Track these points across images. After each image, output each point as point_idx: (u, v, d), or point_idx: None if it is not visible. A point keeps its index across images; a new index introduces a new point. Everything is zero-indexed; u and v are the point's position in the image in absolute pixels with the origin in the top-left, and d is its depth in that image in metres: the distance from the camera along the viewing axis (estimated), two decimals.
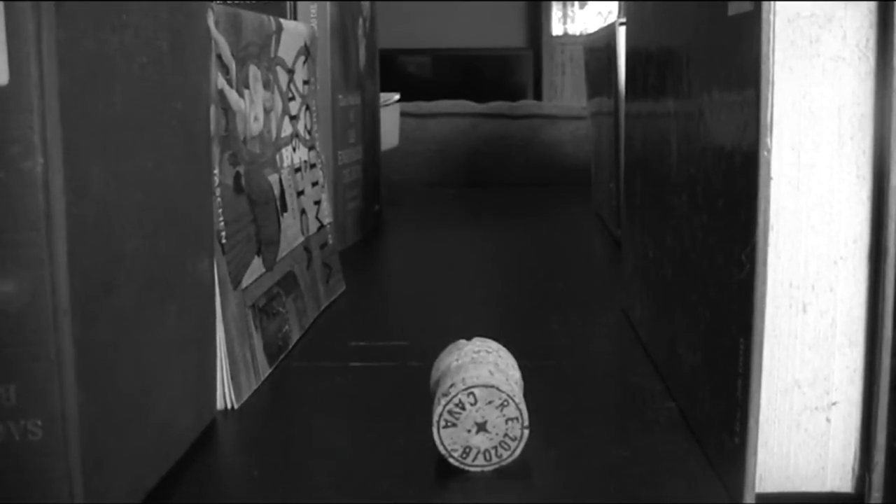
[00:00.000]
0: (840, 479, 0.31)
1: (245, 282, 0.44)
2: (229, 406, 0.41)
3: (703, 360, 0.36)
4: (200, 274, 0.37)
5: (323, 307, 0.57)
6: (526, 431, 0.34)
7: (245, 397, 0.42)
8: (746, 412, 0.31)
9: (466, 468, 0.34)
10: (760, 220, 0.29)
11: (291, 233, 0.52)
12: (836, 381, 0.31)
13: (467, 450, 0.34)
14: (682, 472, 0.34)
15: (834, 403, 0.31)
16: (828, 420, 0.31)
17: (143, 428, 0.31)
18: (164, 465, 0.34)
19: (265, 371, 0.45)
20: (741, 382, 0.31)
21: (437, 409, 0.33)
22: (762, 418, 0.31)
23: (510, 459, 0.34)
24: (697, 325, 0.37)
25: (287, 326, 0.50)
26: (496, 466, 0.34)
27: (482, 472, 0.34)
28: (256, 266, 0.46)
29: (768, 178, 0.29)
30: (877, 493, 0.31)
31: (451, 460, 0.34)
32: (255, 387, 0.43)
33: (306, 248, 0.55)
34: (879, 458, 0.31)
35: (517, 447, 0.34)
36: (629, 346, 0.50)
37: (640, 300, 0.50)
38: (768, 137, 0.29)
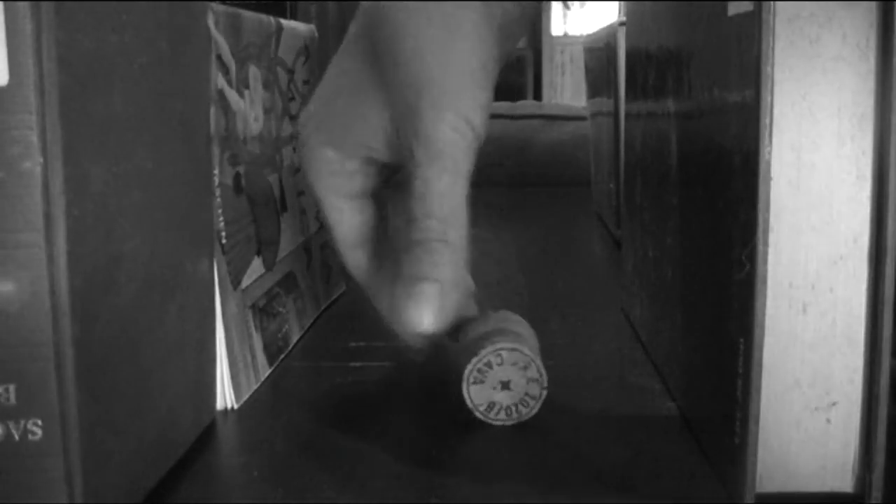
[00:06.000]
0: (840, 479, 0.31)
1: (245, 282, 0.44)
2: (229, 406, 0.41)
3: (703, 361, 0.36)
4: (200, 274, 0.37)
5: (323, 307, 0.57)
6: (544, 392, 0.37)
7: (245, 397, 0.42)
8: (746, 412, 0.31)
9: (490, 422, 0.37)
10: (760, 220, 0.29)
11: (291, 233, 0.52)
12: (836, 381, 0.31)
13: (491, 405, 0.37)
14: (682, 472, 0.34)
15: (834, 403, 0.31)
16: (828, 420, 0.31)
17: (143, 428, 0.31)
18: (164, 465, 0.34)
19: (265, 371, 0.45)
20: (741, 382, 0.31)
21: (468, 368, 0.37)
22: (762, 418, 0.31)
23: (528, 416, 0.37)
24: (697, 325, 0.37)
25: (287, 326, 0.50)
26: (515, 422, 0.37)
27: (503, 425, 0.37)
28: (256, 266, 0.46)
29: (768, 178, 0.29)
30: (877, 493, 0.31)
31: (476, 414, 0.37)
32: (255, 387, 0.43)
33: (306, 248, 0.55)
34: (879, 458, 0.31)
35: (536, 405, 0.37)
36: (629, 346, 0.50)
37: (640, 300, 0.50)
38: (768, 137, 0.29)
